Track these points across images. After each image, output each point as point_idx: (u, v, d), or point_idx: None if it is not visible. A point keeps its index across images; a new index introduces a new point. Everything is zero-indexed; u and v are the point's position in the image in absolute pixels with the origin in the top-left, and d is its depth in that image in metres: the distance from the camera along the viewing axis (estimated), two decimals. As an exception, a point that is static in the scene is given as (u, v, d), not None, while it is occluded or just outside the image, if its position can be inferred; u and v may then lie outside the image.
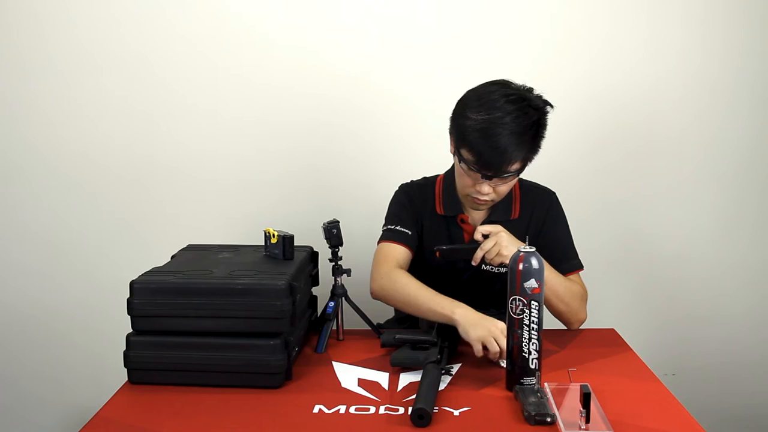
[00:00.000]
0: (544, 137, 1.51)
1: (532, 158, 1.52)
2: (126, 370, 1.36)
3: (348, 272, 1.62)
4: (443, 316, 1.45)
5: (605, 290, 2.14)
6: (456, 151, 1.53)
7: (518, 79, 1.51)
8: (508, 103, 1.44)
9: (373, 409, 1.23)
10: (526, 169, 1.53)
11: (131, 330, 1.37)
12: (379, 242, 1.67)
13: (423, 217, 1.67)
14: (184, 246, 1.66)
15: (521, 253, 1.24)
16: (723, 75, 2.04)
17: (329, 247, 1.59)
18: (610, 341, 1.59)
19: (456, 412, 1.22)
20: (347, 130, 2.07)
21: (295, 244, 1.53)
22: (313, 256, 1.64)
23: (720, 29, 2.02)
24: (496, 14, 2.02)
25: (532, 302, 1.24)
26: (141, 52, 2.06)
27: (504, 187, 1.53)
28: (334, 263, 1.60)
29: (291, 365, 1.36)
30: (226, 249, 1.62)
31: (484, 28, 2.03)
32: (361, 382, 1.36)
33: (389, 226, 1.67)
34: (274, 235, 1.53)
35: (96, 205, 2.13)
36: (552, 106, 1.51)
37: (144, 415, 1.24)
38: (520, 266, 1.23)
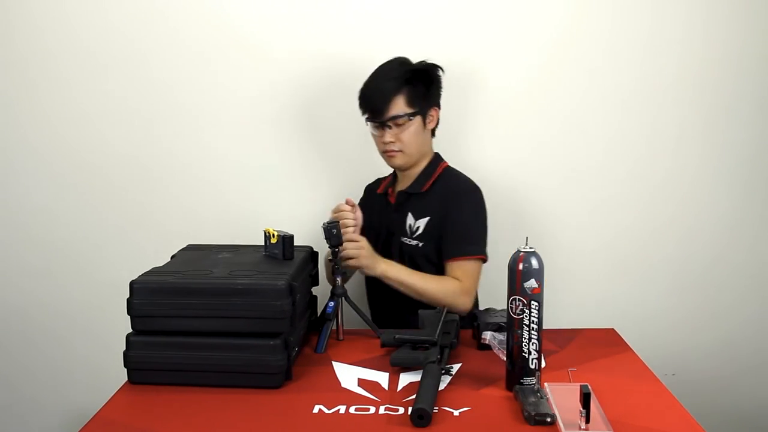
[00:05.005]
0: (434, 93, 1.77)
1: (425, 108, 1.74)
2: (126, 370, 1.36)
3: (348, 272, 1.62)
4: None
5: (605, 290, 2.14)
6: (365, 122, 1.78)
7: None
8: (385, 63, 1.75)
9: (373, 409, 1.23)
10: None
11: (131, 330, 1.37)
12: None
13: (368, 201, 1.92)
14: (184, 246, 1.66)
15: (521, 253, 1.24)
16: (724, 75, 2.04)
17: (329, 247, 1.59)
18: (610, 341, 1.59)
19: (456, 412, 1.22)
20: (348, 129, 2.06)
21: (295, 244, 1.53)
22: (313, 256, 1.64)
23: (722, 28, 2.02)
24: (497, 13, 2.02)
25: (532, 302, 1.23)
26: (140, 52, 2.06)
27: (405, 135, 1.73)
28: (334, 263, 1.60)
29: (291, 365, 1.36)
30: (226, 249, 1.62)
31: (485, 28, 2.03)
32: (361, 382, 1.36)
33: None
34: (274, 235, 1.53)
35: (96, 204, 2.13)
36: (441, 69, 1.77)
37: (144, 415, 1.24)
38: (520, 266, 1.23)
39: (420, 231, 1.77)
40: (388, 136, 1.73)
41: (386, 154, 1.77)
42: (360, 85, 1.76)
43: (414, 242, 1.77)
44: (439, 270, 1.75)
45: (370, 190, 1.97)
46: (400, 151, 1.74)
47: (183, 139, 2.10)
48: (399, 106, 1.70)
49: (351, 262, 1.60)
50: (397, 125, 1.72)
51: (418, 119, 1.73)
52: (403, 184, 1.84)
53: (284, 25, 2.04)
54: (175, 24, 2.04)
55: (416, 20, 2.03)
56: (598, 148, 2.08)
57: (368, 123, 1.77)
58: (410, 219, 1.78)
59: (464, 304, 1.68)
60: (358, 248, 1.61)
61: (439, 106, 1.80)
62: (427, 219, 1.76)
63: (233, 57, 2.05)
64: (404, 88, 1.71)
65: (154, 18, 2.04)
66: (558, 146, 2.08)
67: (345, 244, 1.59)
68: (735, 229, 2.12)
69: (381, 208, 1.88)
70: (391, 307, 1.79)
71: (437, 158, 1.84)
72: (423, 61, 1.76)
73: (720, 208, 2.11)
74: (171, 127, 2.10)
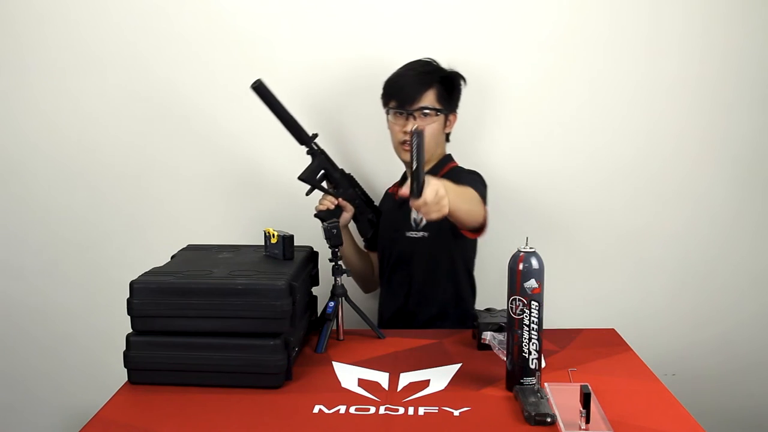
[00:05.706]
0: (456, 98, 1.80)
1: (449, 110, 1.77)
2: (126, 370, 1.36)
3: (348, 272, 1.62)
4: None
5: (605, 290, 2.14)
6: (386, 113, 1.79)
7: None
8: (416, 60, 1.78)
9: (373, 409, 1.23)
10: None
11: (131, 330, 1.37)
12: None
13: (382, 203, 1.94)
14: (184, 246, 1.66)
15: (521, 254, 1.24)
16: (724, 75, 2.04)
17: (329, 247, 1.59)
18: (610, 341, 1.59)
19: (456, 412, 1.22)
20: (347, 130, 2.07)
21: (295, 244, 1.53)
22: (313, 256, 1.64)
23: (721, 28, 2.02)
24: (497, 13, 2.02)
25: (532, 302, 1.24)
26: (143, 51, 2.05)
27: (427, 130, 1.70)
28: (334, 263, 1.60)
29: (291, 365, 1.36)
30: (226, 249, 1.62)
31: (483, 29, 2.03)
32: (361, 382, 1.36)
33: None
34: (274, 235, 1.53)
35: (96, 204, 2.13)
36: (464, 80, 1.80)
37: (144, 415, 1.24)
38: (520, 266, 1.23)
39: (425, 222, 1.77)
40: (411, 125, 1.72)
41: (404, 145, 1.75)
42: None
43: (420, 234, 1.77)
44: (440, 265, 1.78)
45: (386, 193, 1.98)
46: None
47: (183, 139, 2.10)
48: (429, 99, 1.73)
49: (435, 216, 1.32)
50: (422, 118, 1.72)
51: (441, 118, 1.76)
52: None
53: (288, 24, 2.04)
54: (179, 22, 2.04)
55: (418, 21, 2.03)
56: (598, 148, 2.08)
57: (390, 112, 1.77)
58: (414, 213, 1.78)
59: (484, 211, 1.61)
60: (439, 198, 1.30)
61: (456, 114, 1.82)
62: None
63: (236, 57, 2.05)
64: (436, 84, 1.74)
65: (159, 16, 2.04)
66: (557, 147, 2.08)
67: (424, 206, 1.29)
68: (734, 229, 2.12)
69: (390, 207, 1.89)
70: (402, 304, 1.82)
71: (448, 158, 1.85)
72: (452, 71, 1.79)
73: (719, 207, 2.11)
74: (172, 127, 2.09)
